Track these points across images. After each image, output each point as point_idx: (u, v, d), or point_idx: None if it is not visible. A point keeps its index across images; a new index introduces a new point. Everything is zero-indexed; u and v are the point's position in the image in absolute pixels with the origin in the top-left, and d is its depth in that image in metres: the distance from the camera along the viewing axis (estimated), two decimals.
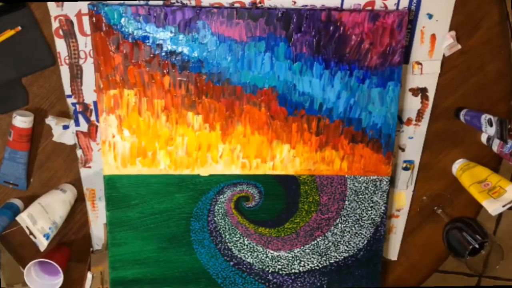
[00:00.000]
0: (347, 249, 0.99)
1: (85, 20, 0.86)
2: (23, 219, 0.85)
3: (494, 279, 1.74)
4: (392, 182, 0.99)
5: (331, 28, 0.86)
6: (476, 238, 0.91)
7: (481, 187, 0.90)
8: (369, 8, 0.88)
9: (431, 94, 0.95)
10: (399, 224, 1.04)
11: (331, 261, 1.00)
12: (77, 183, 0.97)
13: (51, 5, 0.85)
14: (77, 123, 0.93)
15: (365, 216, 0.97)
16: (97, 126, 0.93)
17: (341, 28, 0.86)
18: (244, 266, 0.99)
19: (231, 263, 0.98)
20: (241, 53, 0.87)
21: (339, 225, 0.98)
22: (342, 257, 1.00)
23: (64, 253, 0.97)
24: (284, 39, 0.86)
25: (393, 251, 1.06)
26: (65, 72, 0.89)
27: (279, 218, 0.97)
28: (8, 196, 0.96)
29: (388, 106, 0.91)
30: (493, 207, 0.85)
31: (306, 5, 0.87)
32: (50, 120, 0.89)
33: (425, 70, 0.93)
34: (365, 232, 0.98)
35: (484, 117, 0.87)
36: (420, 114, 0.96)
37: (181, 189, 0.93)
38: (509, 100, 0.96)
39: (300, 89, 0.89)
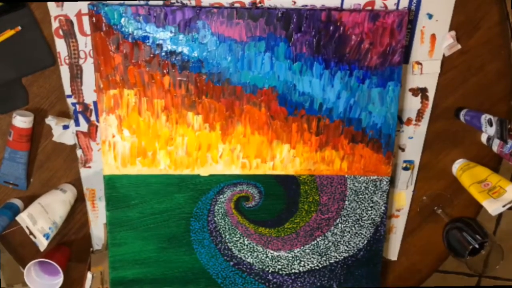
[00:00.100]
0: (347, 249, 0.99)
1: (85, 20, 0.86)
2: (23, 219, 0.85)
3: (494, 279, 1.74)
4: (392, 182, 0.99)
5: (331, 28, 0.86)
6: (476, 238, 0.91)
7: (481, 187, 0.90)
8: (369, 8, 0.88)
9: (431, 94, 0.94)
10: (399, 224, 1.04)
11: (331, 261, 1.00)
12: (77, 183, 0.97)
13: (51, 5, 0.85)
14: (77, 123, 0.93)
15: (365, 216, 0.97)
16: (97, 126, 0.93)
17: (341, 28, 0.86)
18: (244, 266, 0.99)
19: (231, 263, 0.98)
20: (241, 53, 0.87)
21: (339, 225, 0.98)
22: (342, 257, 1.00)
23: (64, 253, 0.97)
24: (284, 39, 0.86)
25: (393, 251, 1.06)
26: (65, 72, 0.89)
27: (279, 218, 0.97)
28: (8, 196, 0.96)
29: (388, 106, 0.91)
30: (493, 207, 0.85)
31: (306, 5, 0.87)
32: (50, 120, 0.89)
33: (425, 70, 0.93)
34: (365, 232, 0.99)
35: (484, 117, 0.87)
36: (420, 114, 0.96)
37: (181, 189, 0.93)
38: (509, 100, 0.96)
39: (300, 89, 0.89)
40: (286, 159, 0.93)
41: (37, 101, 0.91)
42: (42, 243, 0.86)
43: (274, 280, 1.00)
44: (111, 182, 0.92)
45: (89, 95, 0.91)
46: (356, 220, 0.98)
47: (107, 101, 0.87)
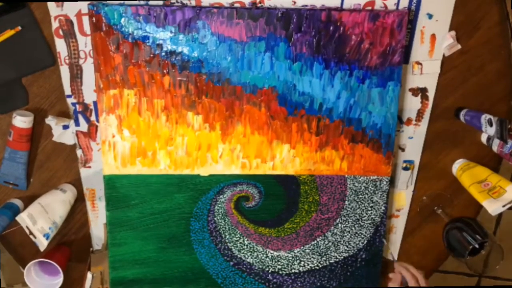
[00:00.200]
0: (347, 249, 0.99)
1: (85, 20, 0.86)
2: (23, 219, 0.85)
3: (494, 279, 1.74)
4: (392, 182, 0.99)
5: (331, 28, 0.86)
6: (476, 238, 0.90)
7: (481, 187, 0.90)
8: (369, 8, 0.88)
9: (431, 94, 0.94)
10: (399, 224, 1.04)
11: (331, 261, 1.00)
12: (77, 183, 0.97)
13: (51, 5, 0.85)
14: (77, 123, 0.93)
15: (365, 216, 0.97)
16: (97, 126, 0.93)
17: (341, 28, 0.86)
18: (244, 266, 0.99)
19: (231, 263, 0.98)
20: (241, 53, 0.87)
21: (339, 225, 0.98)
22: (342, 257, 1.00)
23: (64, 253, 0.97)
24: (284, 39, 0.86)
25: (393, 251, 1.06)
26: (65, 72, 0.89)
27: (279, 218, 0.97)
28: (8, 196, 0.96)
29: (388, 106, 0.91)
30: (493, 207, 0.85)
31: (306, 5, 0.87)
32: (50, 120, 0.89)
33: (425, 70, 0.93)
34: (365, 232, 0.98)
35: (484, 117, 0.87)
36: (420, 114, 0.96)
37: (181, 189, 0.93)
38: (509, 100, 0.96)
39: (300, 89, 0.89)
40: (286, 159, 0.93)
41: (37, 101, 0.91)
42: (42, 243, 0.86)
43: (274, 280, 1.00)
44: (111, 182, 0.92)
45: (89, 95, 0.91)
46: (356, 220, 0.98)
47: (107, 101, 0.87)
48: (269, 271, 1.00)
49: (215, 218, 0.96)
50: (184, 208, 0.94)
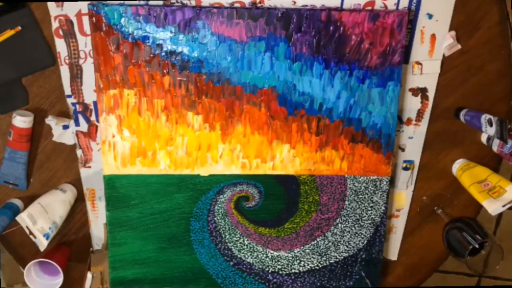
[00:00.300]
0: (347, 249, 0.99)
1: (85, 20, 0.86)
2: (23, 219, 0.85)
3: (494, 279, 1.74)
4: (392, 182, 0.99)
5: (331, 28, 0.86)
6: (476, 238, 0.90)
7: (481, 187, 0.90)
8: (369, 8, 0.88)
9: (431, 94, 0.94)
10: (399, 224, 1.04)
11: (331, 261, 1.00)
12: (77, 183, 0.97)
13: (51, 5, 0.85)
14: (77, 123, 0.93)
15: (365, 216, 0.97)
16: (97, 126, 0.93)
17: (341, 28, 0.86)
18: (244, 266, 0.99)
19: (231, 263, 0.98)
20: (241, 53, 0.87)
21: (339, 225, 0.98)
22: (342, 257, 1.00)
23: (64, 253, 0.97)
24: (284, 39, 0.86)
25: (393, 251, 1.06)
26: (65, 72, 0.89)
27: (279, 218, 0.97)
28: (8, 196, 0.96)
29: (388, 106, 0.91)
30: (493, 207, 0.85)
31: (306, 5, 0.87)
32: (50, 120, 0.89)
33: (425, 70, 0.93)
34: (365, 232, 0.98)
35: (484, 117, 0.87)
36: (420, 114, 0.96)
37: (181, 189, 0.93)
38: (509, 100, 0.96)
39: (300, 89, 0.89)
40: (286, 159, 0.93)
41: (37, 101, 0.91)
42: (42, 243, 0.86)
43: (274, 280, 1.00)
44: (111, 182, 0.92)
45: (89, 95, 0.91)
46: (356, 220, 0.98)
47: (107, 101, 0.87)
48: (269, 271, 1.00)
49: (215, 218, 0.96)
50: (184, 208, 0.94)
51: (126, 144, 0.90)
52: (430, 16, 0.89)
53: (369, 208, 0.97)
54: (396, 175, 1.00)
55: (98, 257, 0.99)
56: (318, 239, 0.98)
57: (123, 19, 0.84)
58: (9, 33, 0.85)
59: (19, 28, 0.85)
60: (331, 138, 0.92)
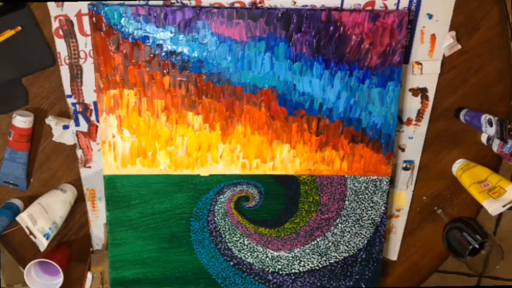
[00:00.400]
0: (347, 249, 0.99)
1: (85, 20, 0.86)
2: (23, 219, 0.85)
3: (494, 279, 1.74)
4: (392, 182, 0.99)
5: (331, 28, 0.86)
6: (476, 238, 0.91)
7: (481, 187, 0.90)
8: (369, 8, 0.88)
9: (431, 94, 0.94)
10: (399, 224, 1.04)
11: (331, 261, 1.00)
12: (77, 183, 0.97)
13: (51, 5, 0.85)
14: (77, 123, 0.93)
15: (365, 216, 0.97)
16: (97, 126, 0.93)
17: (341, 28, 0.86)
18: (244, 266, 0.99)
19: (231, 263, 0.98)
20: (241, 53, 0.87)
21: (339, 225, 0.98)
22: (342, 257, 1.00)
23: (64, 253, 0.97)
24: (284, 39, 0.86)
25: (393, 251, 1.06)
26: (65, 72, 0.89)
27: (279, 218, 0.97)
28: (8, 196, 0.96)
29: (388, 106, 0.91)
30: (493, 207, 0.85)
31: (306, 5, 0.87)
32: (50, 120, 0.89)
33: (425, 70, 0.93)
34: (365, 232, 0.98)
35: (484, 117, 0.87)
36: (420, 114, 0.96)
37: (181, 189, 0.93)
38: (509, 100, 0.96)
39: (300, 89, 0.89)
40: (286, 159, 0.93)
41: (37, 101, 0.91)
42: (42, 243, 0.86)
43: (274, 280, 1.00)
44: (111, 182, 0.92)
45: (89, 95, 0.91)
46: (356, 220, 0.98)
47: (107, 101, 0.87)
48: (269, 271, 1.00)
49: (215, 218, 0.96)
50: (184, 208, 0.94)
51: (126, 144, 0.90)
52: (430, 16, 0.89)
53: (369, 208, 0.97)
54: (396, 175, 1.00)
55: (98, 257, 0.99)
56: (318, 239, 0.98)
57: (123, 19, 0.84)
58: (9, 33, 0.85)
59: (19, 28, 0.85)
60: (331, 138, 0.92)
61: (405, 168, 0.99)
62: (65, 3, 0.85)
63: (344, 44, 0.87)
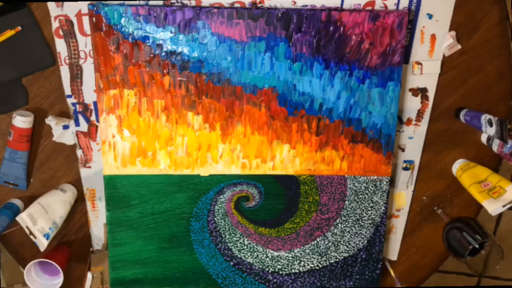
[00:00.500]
0: (347, 249, 0.99)
1: (85, 20, 0.86)
2: (23, 219, 0.85)
3: (494, 279, 1.74)
4: (392, 182, 0.99)
5: (331, 28, 0.86)
6: (476, 238, 0.90)
7: (481, 187, 0.90)
8: (369, 8, 0.88)
9: (431, 94, 0.94)
10: (399, 224, 1.04)
11: (331, 261, 1.00)
12: (77, 183, 0.97)
13: (51, 5, 0.85)
14: (77, 123, 0.93)
15: (365, 216, 0.97)
16: (97, 126, 0.93)
17: (341, 28, 0.86)
18: (244, 266, 0.99)
19: (231, 263, 0.98)
20: (241, 53, 0.87)
21: (339, 225, 0.98)
22: (342, 257, 1.00)
23: (64, 253, 0.97)
24: (284, 39, 0.86)
25: (393, 251, 1.06)
26: (65, 72, 0.89)
27: (279, 218, 0.97)
28: (8, 196, 0.96)
29: (388, 106, 0.91)
30: (493, 207, 0.85)
31: (306, 5, 0.87)
32: (50, 120, 0.89)
33: (425, 70, 0.93)
34: (365, 232, 0.99)
35: (484, 117, 0.87)
36: (420, 114, 0.96)
37: (181, 189, 0.93)
38: (509, 100, 0.96)
39: (300, 89, 0.89)
40: (286, 159, 0.93)
41: (37, 101, 0.91)
42: (42, 243, 0.86)
43: (274, 280, 1.00)
44: (111, 182, 0.92)
45: (89, 95, 0.91)
46: (356, 220, 0.98)
47: (107, 101, 0.87)
48: (269, 271, 1.00)
49: (215, 218, 0.96)
50: (184, 208, 0.94)
51: (126, 144, 0.90)
52: (430, 16, 0.89)
53: (369, 208, 0.97)
54: (396, 175, 1.00)
55: (98, 257, 0.99)
56: (318, 239, 0.98)
57: (123, 19, 0.84)
58: (9, 33, 0.85)
59: (19, 28, 0.85)
60: (331, 138, 0.92)
61: (405, 168, 0.99)
62: (65, 3, 0.85)
63: (344, 44, 0.87)
